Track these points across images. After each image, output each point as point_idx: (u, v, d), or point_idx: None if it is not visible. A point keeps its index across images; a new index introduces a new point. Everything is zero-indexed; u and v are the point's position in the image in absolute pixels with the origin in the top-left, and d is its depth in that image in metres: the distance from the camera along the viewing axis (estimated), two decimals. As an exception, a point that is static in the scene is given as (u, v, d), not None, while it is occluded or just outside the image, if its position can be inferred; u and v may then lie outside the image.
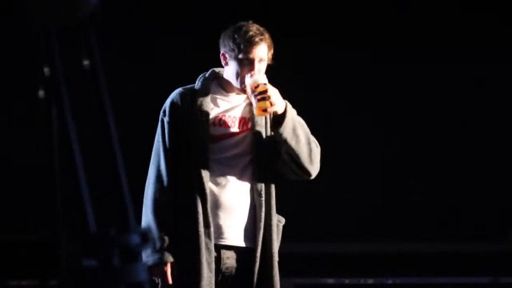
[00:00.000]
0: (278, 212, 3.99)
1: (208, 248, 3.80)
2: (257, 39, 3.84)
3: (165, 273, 3.81)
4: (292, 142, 3.88)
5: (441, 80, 7.10)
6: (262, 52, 3.86)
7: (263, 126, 3.93)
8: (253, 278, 3.84)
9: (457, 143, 7.07)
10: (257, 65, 3.85)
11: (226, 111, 3.93)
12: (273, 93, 3.83)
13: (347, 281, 6.58)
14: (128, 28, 6.85)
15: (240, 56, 3.85)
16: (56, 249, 1.31)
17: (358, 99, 7.07)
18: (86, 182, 1.30)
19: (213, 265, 3.80)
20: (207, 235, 3.80)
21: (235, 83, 3.90)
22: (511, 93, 7.08)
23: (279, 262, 3.91)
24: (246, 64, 3.85)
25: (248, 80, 3.85)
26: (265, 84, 3.83)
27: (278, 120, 3.88)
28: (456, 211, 7.04)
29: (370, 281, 6.59)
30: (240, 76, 3.88)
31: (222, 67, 3.97)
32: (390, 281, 6.54)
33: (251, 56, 3.84)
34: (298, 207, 6.60)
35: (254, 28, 3.87)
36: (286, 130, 3.87)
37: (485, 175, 7.05)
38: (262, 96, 3.80)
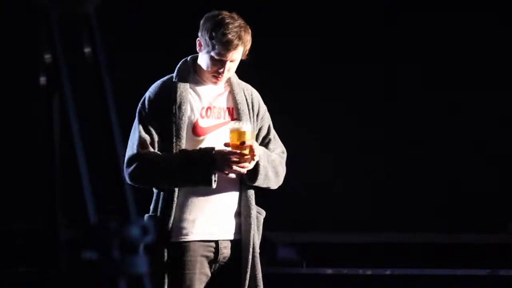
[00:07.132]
0: (263, 203, 3.99)
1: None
2: (233, 44, 3.75)
3: None
4: (263, 185, 3.92)
5: (448, 72, 7.10)
6: (236, 55, 3.80)
7: (247, 115, 3.90)
8: (239, 268, 3.85)
9: (457, 134, 7.06)
10: (228, 64, 3.80)
11: (210, 101, 3.88)
12: (257, 152, 3.78)
13: (345, 271, 6.57)
14: (132, 15, 6.83)
15: (213, 54, 3.80)
16: (55, 238, 1.30)
17: (358, 98, 7.06)
18: (87, 171, 1.29)
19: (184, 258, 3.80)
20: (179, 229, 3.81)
21: (206, 72, 3.86)
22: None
23: (260, 253, 3.93)
24: (217, 63, 3.81)
25: (232, 125, 3.81)
26: (250, 143, 3.74)
27: (249, 170, 3.84)
28: (455, 202, 7.04)
29: (369, 271, 6.59)
30: (210, 71, 3.84)
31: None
32: (388, 272, 6.53)
33: (224, 59, 3.79)
34: (296, 197, 6.60)
35: (233, 29, 3.75)
36: (259, 182, 3.89)
37: (485, 167, 7.04)
38: (245, 156, 3.74)
